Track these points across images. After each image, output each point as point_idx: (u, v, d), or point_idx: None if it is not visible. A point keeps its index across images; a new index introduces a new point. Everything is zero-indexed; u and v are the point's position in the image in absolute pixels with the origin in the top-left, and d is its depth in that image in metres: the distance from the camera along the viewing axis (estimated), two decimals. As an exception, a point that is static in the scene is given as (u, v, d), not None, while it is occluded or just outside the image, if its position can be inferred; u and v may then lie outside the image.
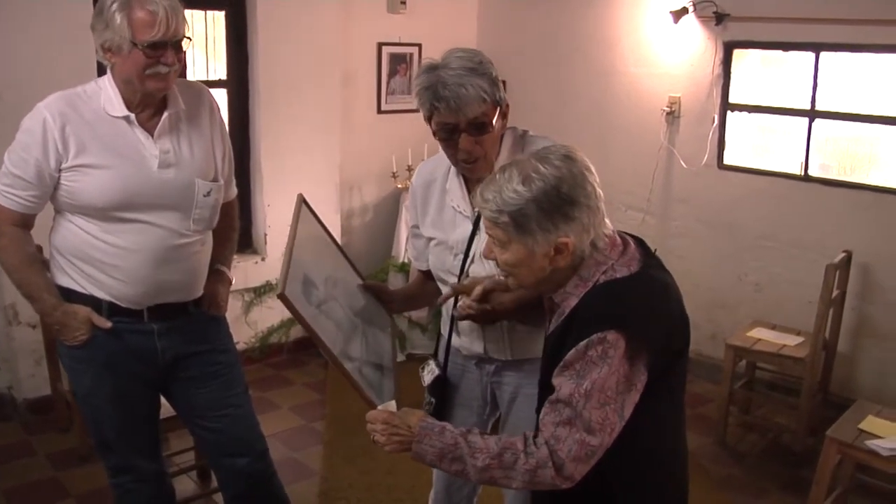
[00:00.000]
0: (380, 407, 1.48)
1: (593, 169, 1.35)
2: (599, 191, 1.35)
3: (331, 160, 4.43)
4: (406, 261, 4.32)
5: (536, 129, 1.82)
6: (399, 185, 4.72)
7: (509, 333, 1.82)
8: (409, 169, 4.72)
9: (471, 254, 1.78)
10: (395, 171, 4.73)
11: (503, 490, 1.79)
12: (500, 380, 1.88)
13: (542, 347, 1.47)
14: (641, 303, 1.34)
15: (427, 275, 1.95)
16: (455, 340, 1.87)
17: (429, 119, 1.65)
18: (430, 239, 1.87)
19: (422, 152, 4.58)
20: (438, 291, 1.90)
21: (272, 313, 4.37)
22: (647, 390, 1.34)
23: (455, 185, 1.81)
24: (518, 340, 1.82)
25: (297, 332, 4.44)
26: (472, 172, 1.73)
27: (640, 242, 1.46)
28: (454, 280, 1.79)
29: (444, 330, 1.92)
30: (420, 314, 4.34)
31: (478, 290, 1.66)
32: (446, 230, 1.83)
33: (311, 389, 4.12)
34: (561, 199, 1.31)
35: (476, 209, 1.61)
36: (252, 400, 2.32)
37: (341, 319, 1.67)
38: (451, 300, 1.76)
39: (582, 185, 1.32)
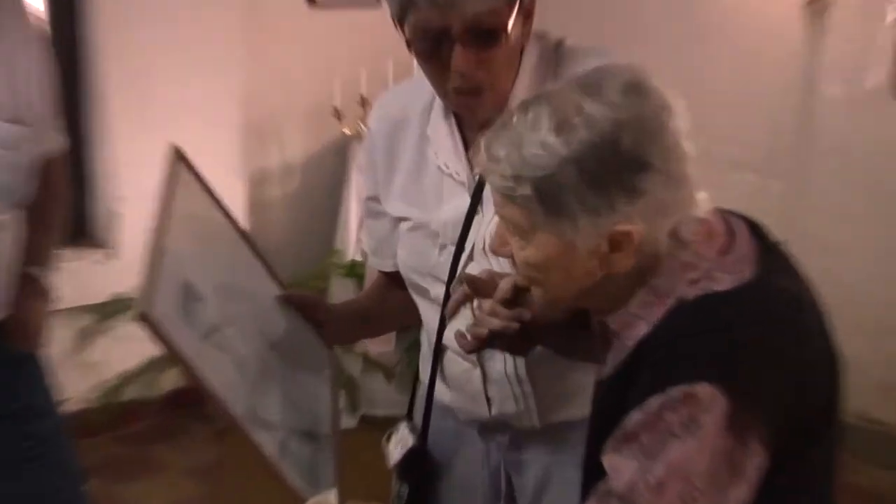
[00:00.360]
0: (312, 502, 1.54)
1: (678, 109, 1.31)
2: (687, 146, 1.30)
3: (228, 89, 4.26)
4: (359, 258, 4.18)
5: (581, 38, 1.76)
6: (346, 131, 4.48)
7: (538, 377, 1.71)
8: (364, 103, 4.33)
9: (468, 245, 1.67)
10: (337, 105, 4.38)
11: None
12: (521, 457, 1.81)
13: (592, 401, 1.49)
14: (756, 335, 1.29)
15: (393, 280, 1.88)
16: (443, 393, 1.80)
17: (400, 20, 1.62)
18: (401, 220, 1.79)
19: (384, 75, 4.20)
20: (411, 308, 1.83)
21: (129, 349, 4.00)
22: (767, 483, 1.30)
23: (442, 130, 1.72)
24: (552, 389, 1.73)
25: (171, 379, 4.18)
26: (471, 110, 1.65)
27: (755, 230, 1.41)
28: (440, 287, 1.70)
29: (424, 374, 1.87)
30: (382, 347, 4.08)
31: (505, 284, 1.55)
32: (427, 205, 1.73)
33: (195, 480, 3.93)
34: (621, 159, 1.25)
35: (478, 172, 1.62)
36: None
37: (246, 357, 1.64)
38: (443, 315, 1.72)
39: (657, 136, 1.27)
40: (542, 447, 1.83)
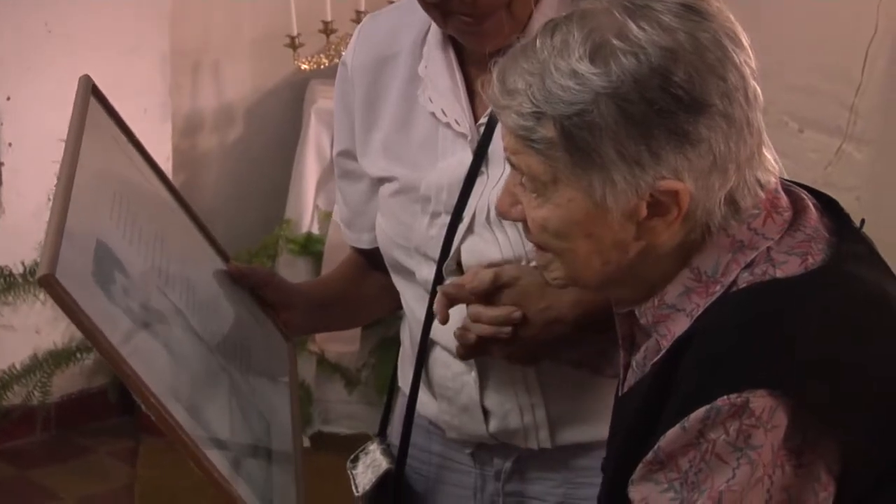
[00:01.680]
0: None
1: (745, 40, 1.35)
2: (755, 86, 1.34)
3: (150, 6, 4.32)
4: (315, 230, 4.24)
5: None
6: (304, 66, 4.47)
7: (548, 387, 1.76)
8: (328, 30, 4.34)
9: (468, 214, 1.71)
10: (295, 33, 4.36)
11: None
12: (524, 489, 1.83)
13: (611, 419, 1.50)
14: (829, 334, 1.31)
15: (370, 259, 1.92)
16: (427, 404, 1.84)
17: None
18: (382, 181, 1.82)
19: None
20: (389, 293, 1.88)
21: (11, 341, 4.14)
22: None
23: (439, 67, 1.76)
24: (567, 399, 1.76)
25: (68, 382, 4.27)
26: (478, 38, 1.67)
27: (829, 206, 1.44)
28: (429, 268, 1.75)
29: (405, 379, 1.90)
30: (343, 346, 4.14)
31: (483, 275, 1.65)
32: (417, 162, 1.77)
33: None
34: (672, 96, 1.28)
35: (484, 119, 1.71)
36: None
37: (184, 352, 1.67)
38: (431, 304, 1.74)
39: (719, 70, 1.30)
40: (553, 477, 1.83)
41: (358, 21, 4.03)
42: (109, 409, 4.10)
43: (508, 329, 1.65)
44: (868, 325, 1.34)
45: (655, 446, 1.31)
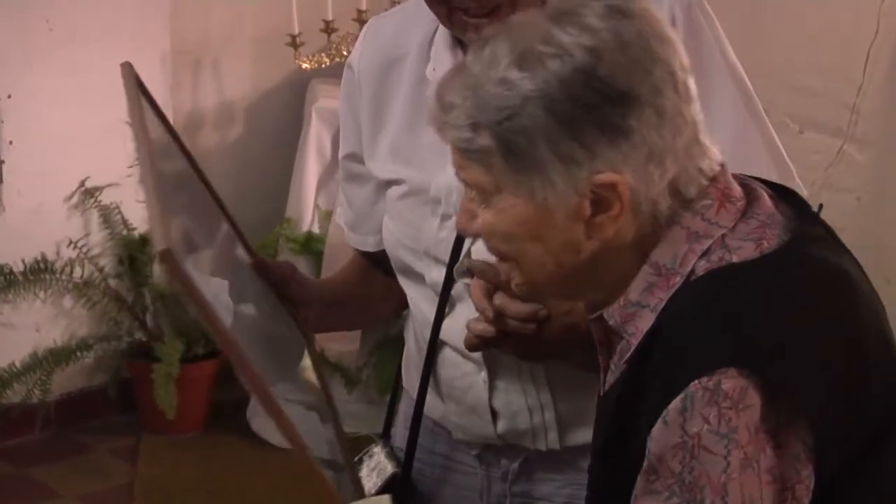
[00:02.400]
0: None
1: (673, 37, 1.37)
2: (686, 79, 1.36)
3: (152, 4, 4.31)
4: (316, 229, 4.24)
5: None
6: (305, 65, 4.47)
7: (558, 387, 1.76)
8: (329, 30, 4.32)
9: None
10: (296, 31, 4.36)
11: None
12: (531, 490, 1.83)
13: (594, 421, 1.51)
14: (790, 310, 1.32)
15: (375, 262, 1.93)
16: (433, 405, 1.83)
17: None
18: (390, 183, 1.82)
19: None
20: (394, 295, 1.89)
21: (10, 340, 4.14)
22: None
23: (448, 66, 1.66)
24: (577, 399, 1.74)
25: (68, 380, 4.24)
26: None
27: (785, 195, 1.45)
28: (438, 270, 1.75)
29: (409, 380, 1.91)
30: (345, 345, 4.11)
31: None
32: (425, 164, 1.76)
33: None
34: (599, 91, 1.30)
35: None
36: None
37: (254, 329, 1.76)
38: (441, 305, 1.76)
39: (644, 63, 1.31)
40: (559, 478, 1.82)
41: (359, 20, 4.02)
42: (109, 406, 4.09)
43: (533, 326, 1.65)
44: (827, 303, 1.35)
45: (647, 453, 1.31)
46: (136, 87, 1.83)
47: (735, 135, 1.73)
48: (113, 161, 4.15)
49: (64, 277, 3.96)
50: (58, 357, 4.05)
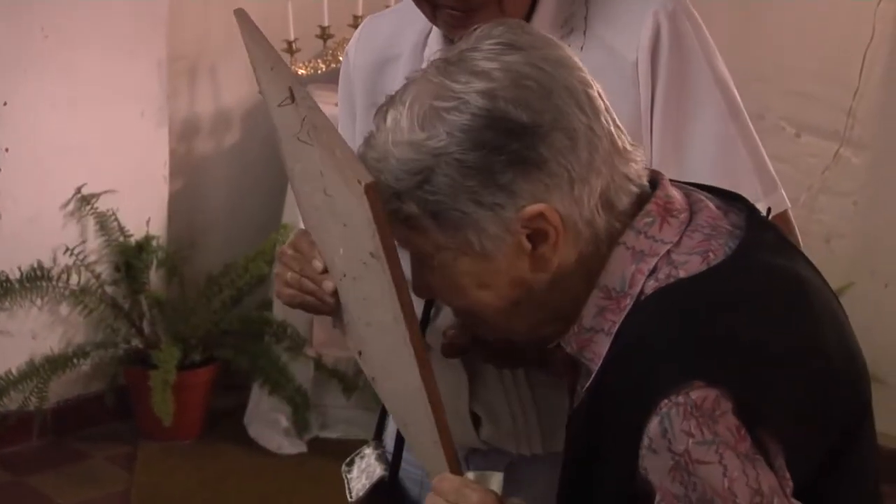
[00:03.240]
0: (475, 476, 1.52)
1: (570, 55, 1.39)
2: (590, 92, 1.36)
3: (148, 10, 4.30)
4: None
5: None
6: (301, 70, 4.50)
7: (539, 392, 1.76)
8: (325, 35, 4.37)
9: None
10: (292, 37, 4.36)
11: None
12: (518, 492, 1.70)
13: (566, 437, 1.50)
14: (743, 322, 1.32)
15: None
16: None
17: None
18: None
19: (354, 0, 4.27)
20: None
21: (11, 344, 4.12)
22: None
23: None
24: (556, 410, 1.71)
25: (64, 388, 4.24)
26: (459, 34, 1.60)
27: (733, 201, 1.45)
28: None
29: None
30: (342, 351, 4.11)
31: None
32: None
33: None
34: (501, 131, 1.31)
35: None
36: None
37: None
38: (427, 308, 1.75)
39: (542, 91, 1.33)
40: (545, 481, 1.75)
41: (355, 26, 4.00)
42: (106, 414, 4.08)
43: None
44: (780, 308, 1.36)
45: (657, 494, 1.30)
46: (256, 33, 1.81)
47: (718, 147, 1.72)
48: (109, 168, 4.16)
49: (60, 284, 3.94)
50: (54, 364, 4.04)
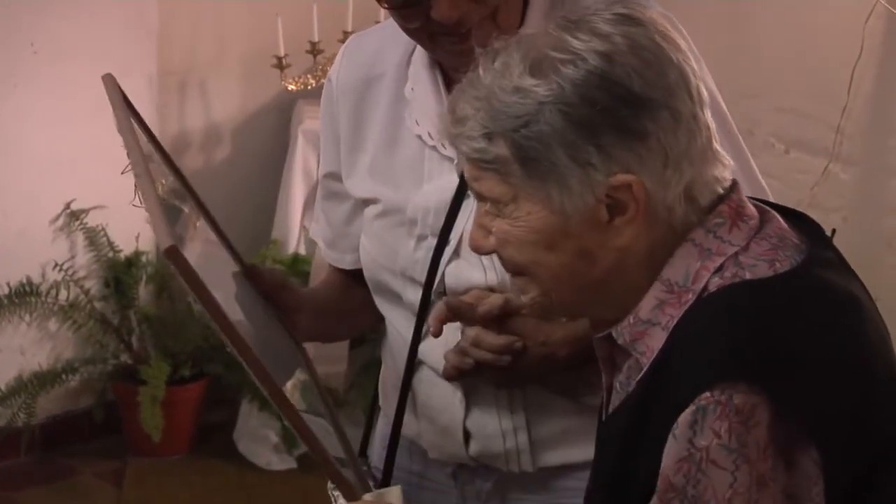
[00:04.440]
0: (373, 495, 1.59)
1: (685, 46, 1.39)
2: (699, 85, 1.37)
3: (137, 26, 4.32)
4: (303, 251, 4.26)
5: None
6: (291, 87, 4.50)
7: (533, 411, 1.76)
8: (315, 51, 4.37)
9: (454, 237, 1.73)
10: (282, 53, 4.40)
11: None
12: None
13: (596, 442, 1.49)
14: (802, 330, 1.31)
15: (353, 278, 1.95)
16: (409, 423, 1.84)
17: None
18: (367, 202, 1.84)
19: (342, 16, 4.26)
20: (371, 308, 1.89)
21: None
22: None
23: (426, 89, 1.78)
24: (551, 422, 1.76)
25: (53, 403, 4.24)
26: (468, 60, 1.53)
27: (797, 218, 1.46)
28: (415, 291, 1.77)
29: (386, 400, 1.93)
30: (332, 366, 4.08)
31: (494, 300, 1.66)
32: (402, 184, 1.79)
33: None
34: (613, 94, 1.31)
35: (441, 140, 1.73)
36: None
37: (256, 334, 1.79)
38: (418, 325, 1.77)
39: (657, 67, 1.33)
40: (533, 498, 1.82)
41: (345, 41, 4.06)
42: (95, 429, 4.06)
43: (508, 358, 1.65)
44: (837, 324, 1.35)
45: (656, 474, 1.30)
46: (121, 98, 1.84)
47: None
48: (98, 183, 4.14)
49: (49, 300, 3.93)
50: (43, 380, 4.05)
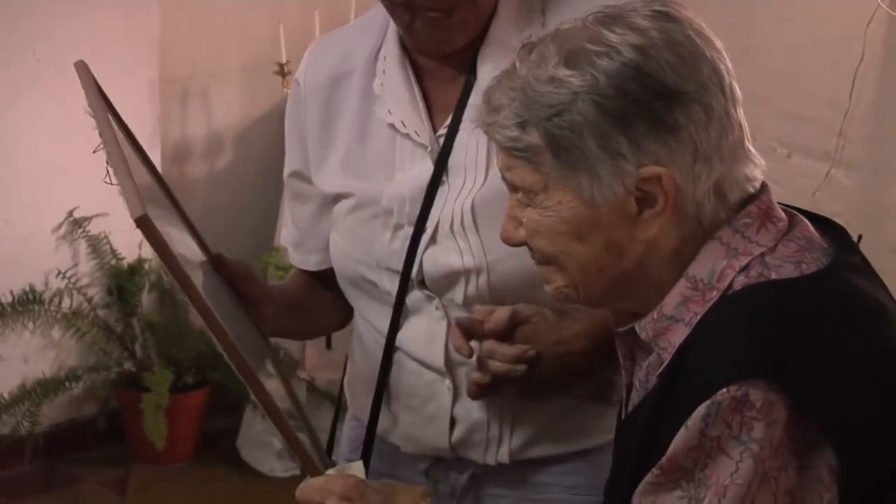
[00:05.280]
0: (336, 470, 1.59)
1: (718, 44, 1.39)
2: (732, 83, 1.37)
3: (139, 32, 4.31)
4: None
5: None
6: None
7: (520, 404, 1.77)
8: None
9: (430, 225, 1.73)
10: (284, 60, 4.39)
11: None
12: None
13: (615, 440, 1.51)
14: (827, 331, 1.31)
15: (318, 280, 1.95)
16: (381, 419, 1.86)
17: None
18: (338, 198, 1.84)
19: (345, 19, 4.03)
20: (337, 308, 1.93)
21: (2, 368, 4.11)
22: None
23: (396, 80, 1.78)
24: (531, 420, 1.78)
25: (56, 411, 4.23)
26: (446, 38, 1.71)
27: (825, 223, 1.46)
28: (391, 280, 1.77)
29: (355, 397, 1.94)
30: (334, 373, 3.71)
31: (501, 314, 1.67)
32: (375, 176, 1.79)
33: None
34: (647, 86, 1.32)
35: (442, 127, 1.75)
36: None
37: (227, 318, 1.71)
38: (395, 314, 1.79)
39: (691, 62, 1.34)
40: (508, 493, 1.84)
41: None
42: (98, 437, 4.05)
43: (523, 367, 1.66)
44: (862, 328, 1.34)
45: (660, 459, 1.31)
46: (95, 85, 1.86)
47: None
48: (101, 191, 4.00)
49: (52, 308, 3.92)
50: (46, 388, 4.04)
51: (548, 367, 1.68)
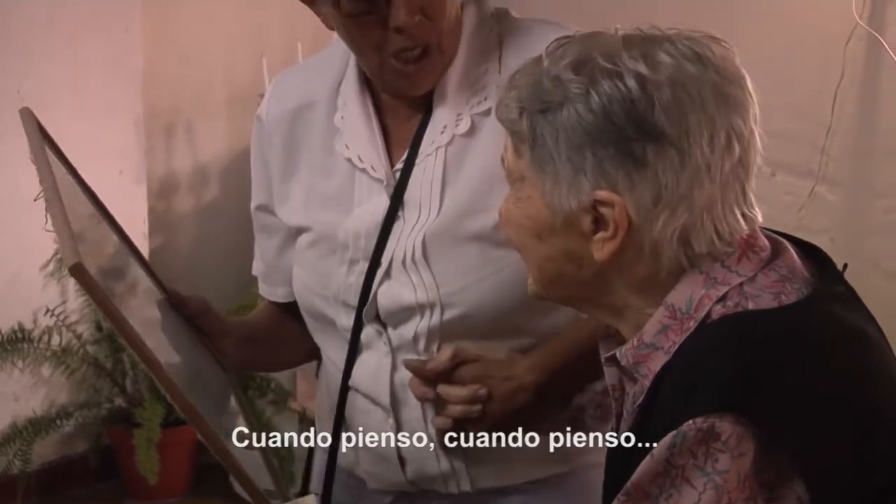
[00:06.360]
0: None
1: (748, 101, 1.40)
2: (733, 142, 1.36)
3: (124, 66, 4.31)
4: None
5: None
6: None
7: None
8: None
9: (384, 258, 1.74)
10: (266, 92, 3.96)
11: None
12: None
13: (605, 472, 1.47)
14: (801, 363, 1.30)
15: (286, 312, 1.95)
16: (347, 454, 1.85)
17: None
18: (300, 231, 1.85)
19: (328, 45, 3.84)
20: (305, 341, 1.90)
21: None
22: None
23: (356, 115, 1.79)
24: (484, 449, 1.75)
25: (48, 449, 4.20)
26: (412, 82, 1.73)
27: (811, 252, 1.44)
28: (348, 315, 1.77)
29: (322, 429, 1.91)
30: (309, 399, 3.96)
31: (439, 358, 1.69)
32: (333, 209, 1.79)
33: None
34: (631, 117, 1.32)
35: (399, 162, 1.76)
36: None
37: (181, 363, 1.76)
38: (351, 351, 1.79)
39: (687, 108, 1.33)
40: None
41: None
42: (91, 475, 4.04)
43: (478, 407, 1.67)
44: (838, 359, 1.34)
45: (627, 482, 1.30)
46: (38, 130, 1.89)
47: None
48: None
49: (42, 346, 3.91)
50: (37, 426, 4.02)
51: (502, 404, 1.69)
